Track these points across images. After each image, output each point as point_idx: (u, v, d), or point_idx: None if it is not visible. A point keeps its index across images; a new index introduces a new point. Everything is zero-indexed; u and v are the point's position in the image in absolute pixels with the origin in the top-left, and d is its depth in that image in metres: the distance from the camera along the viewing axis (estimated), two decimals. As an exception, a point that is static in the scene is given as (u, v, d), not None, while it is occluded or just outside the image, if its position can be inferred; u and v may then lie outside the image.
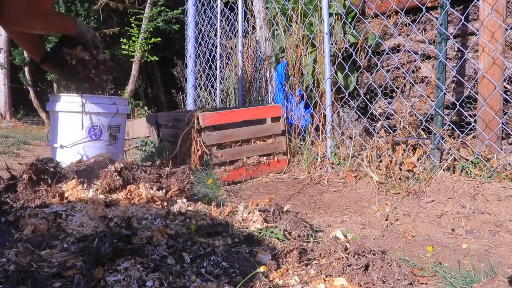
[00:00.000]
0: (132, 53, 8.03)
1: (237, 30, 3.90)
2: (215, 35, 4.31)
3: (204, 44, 4.55)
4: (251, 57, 3.81)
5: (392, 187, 2.26)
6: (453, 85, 2.51)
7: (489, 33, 2.17)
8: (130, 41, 7.94)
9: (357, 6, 2.84)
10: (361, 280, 1.19)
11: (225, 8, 4.25)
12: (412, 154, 2.33)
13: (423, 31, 2.64)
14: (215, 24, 4.35)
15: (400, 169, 2.33)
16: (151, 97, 10.21)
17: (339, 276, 1.21)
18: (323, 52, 2.77)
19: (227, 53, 4.17)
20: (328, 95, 2.75)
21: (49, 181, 1.70)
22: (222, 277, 1.16)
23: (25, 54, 9.31)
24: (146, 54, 8.06)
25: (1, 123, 8.95)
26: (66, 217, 1.46)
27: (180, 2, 7.06)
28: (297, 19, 3.02)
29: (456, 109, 2.28)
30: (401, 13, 2.50)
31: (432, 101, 2.36)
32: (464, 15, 2.26)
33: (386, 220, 1.90)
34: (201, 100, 4.55)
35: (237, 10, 3.78)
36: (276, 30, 3.34)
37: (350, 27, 2.83)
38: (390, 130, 2.64)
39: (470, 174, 2.09)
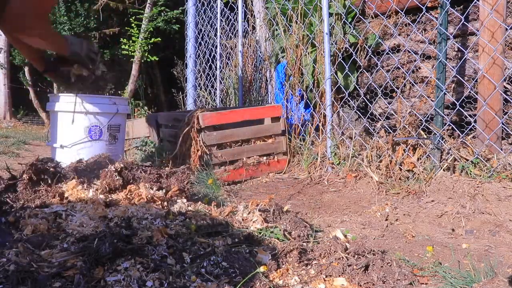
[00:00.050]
0: (132, 53, 8.03)
1: (237, 30, 3.90)
2: (215, 35, 4.31)
3: (204, 44, 4.55)
4: (251, 57, 3.82)
5: (392, 187, 2.26)
6: (453, 85, 2.51)
7: (489, 33, 2.17)
8: (130, 41, 7.93)
9: (357, 6, 2.84)
10: (361, 280, 1.19)
11: (225, 8, 4.25)
12: (412, 154, 2.33)
13: (423, 31, 2.64)
14: (215, 24, 4.35)
15: (400, 169, 2.33)
16: (151, 97, 10.21)
17: (339, 276, 1.21)
18: (323, 52, 2.77)
19: (227, 53, 4.17)
20: (328, 95, 2.75)
21: (49, 181, 1.70)
22: (222, 277, 1.16)
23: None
24: (146, 54, 8.06)
25: (1, 123, 8.95)
26: (66, 217, 1.46)
27: (180, 2, 7.06)
28: (297, 19, 3.02)
29: (456, 109, 2.28)
30: (401, 13, 2.50)
31: (432, 101, 2.36)
32: (464, 15, 2.26)
33: (386, 220, 1.90)
34: (201, 100, 4.55)
35: (237, 10, 3.78)
36: (276, 30, 3.34)
37: (350, 27, 2.83)
38: (390, 130, 2.64)
39: (470, 174, 2.09)
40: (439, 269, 1.31)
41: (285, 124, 2.91)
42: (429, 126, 2.35)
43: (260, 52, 3.83)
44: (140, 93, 7.26)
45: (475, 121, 2.27)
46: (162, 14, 8.02)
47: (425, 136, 2.39)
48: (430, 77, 2.50)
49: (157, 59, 8.18)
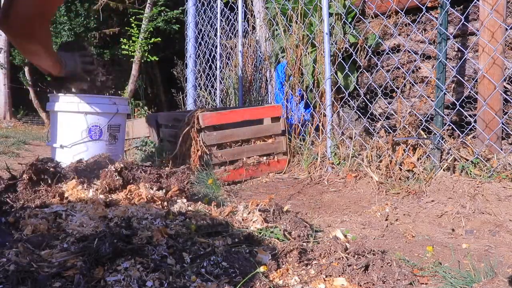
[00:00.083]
0: (132, 53, 8.03)
1: (237, 30, 3.90)
2: (215, 35, 4.31)
3: (204, 44, 4.55)
4: (251, 57, 3.82)
5: (392, 187, 2.26)
6: (453, 85, 2.51)
7: (489, 33, 2.17)
8: (130, 41, 7.94)
9: (357, 6, 2.84)
10: (361, 280, 1.19)
11: (225, 8, 4.25)
12: (412, 154, 2.33)
13: (423, 31, 2.64)
14: (215, 24, 4.35)
15: (400, 169, 2.33)
16: (151, 97, 10.23)
17: (339, 276, 1.21)
18: (323, 52, 2.77)
19: (227, 53, 4.17)
20: (328, 95, 2.75)
21: (49, 181, 1.70)
22: (222, 277, 1.16)
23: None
24: (146, 54, 8.06)
25: (1, 123, 8.95)
26: (66, 217, 1.46)
27: (180, 2, 7.07)
28: (297, 19, 3.02)
29: (456, 109, 2.28)
30: (401, 13, 2.50)
31: (432, 101, 2.36)
32: (464, 15, 2.26)
33: (386, 220, 1.90)
34: (201, 100, 4.55)
35: (237, 10, 3.78)
36: (276, 30, 3.34)
37: (350, 27, 2.83)
38: (390, 130, 2.64)
39: (470, 174, 2.09)
40: (439, 269, 1.31)
41: (285, 124, 2.91)
42: (429, 126, 2.35)
43: (260, 52, 3.83)
44: (140, 93, 7.26)
45: (475, 121, 2.27)
46: (162, 14, 8.02)
47: (425, 136, 2.39)
48: (430, 77, 2.50)
49: (157, 59, 8.19)
